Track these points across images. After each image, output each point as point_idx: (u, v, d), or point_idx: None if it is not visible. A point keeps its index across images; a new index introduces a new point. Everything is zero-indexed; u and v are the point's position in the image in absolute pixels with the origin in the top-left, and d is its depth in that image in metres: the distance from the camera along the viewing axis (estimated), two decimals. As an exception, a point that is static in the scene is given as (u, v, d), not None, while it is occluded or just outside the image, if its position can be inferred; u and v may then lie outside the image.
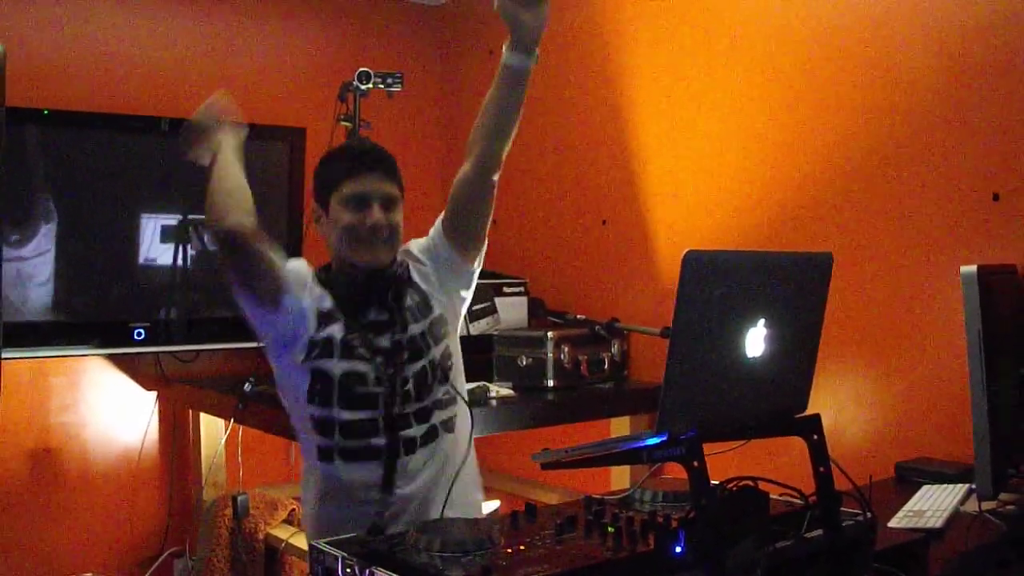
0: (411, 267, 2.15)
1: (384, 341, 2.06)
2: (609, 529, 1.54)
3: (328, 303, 2.08)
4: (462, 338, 2.27)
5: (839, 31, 2.94)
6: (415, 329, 2.10)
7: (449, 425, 2.12)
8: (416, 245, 2.21)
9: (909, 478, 2.45)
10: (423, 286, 2.15)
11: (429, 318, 2.12)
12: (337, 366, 2.04)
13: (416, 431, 2.07)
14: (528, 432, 3.30)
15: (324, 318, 2.07)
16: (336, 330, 2.06)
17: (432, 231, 2.20)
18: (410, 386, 2.06)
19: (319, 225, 2.14)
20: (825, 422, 1.60)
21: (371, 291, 2.07)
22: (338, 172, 2.08)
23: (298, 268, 2.13)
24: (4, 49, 2.32)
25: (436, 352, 2.11)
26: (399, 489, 2.04)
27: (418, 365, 2.08)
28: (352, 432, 2.04)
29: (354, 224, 2.04)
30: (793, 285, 1.57)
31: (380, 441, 2.04)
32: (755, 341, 1.46)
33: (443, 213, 2.17)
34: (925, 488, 2.31)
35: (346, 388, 2.04)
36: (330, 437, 2.05)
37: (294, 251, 3.93)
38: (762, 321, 1.46)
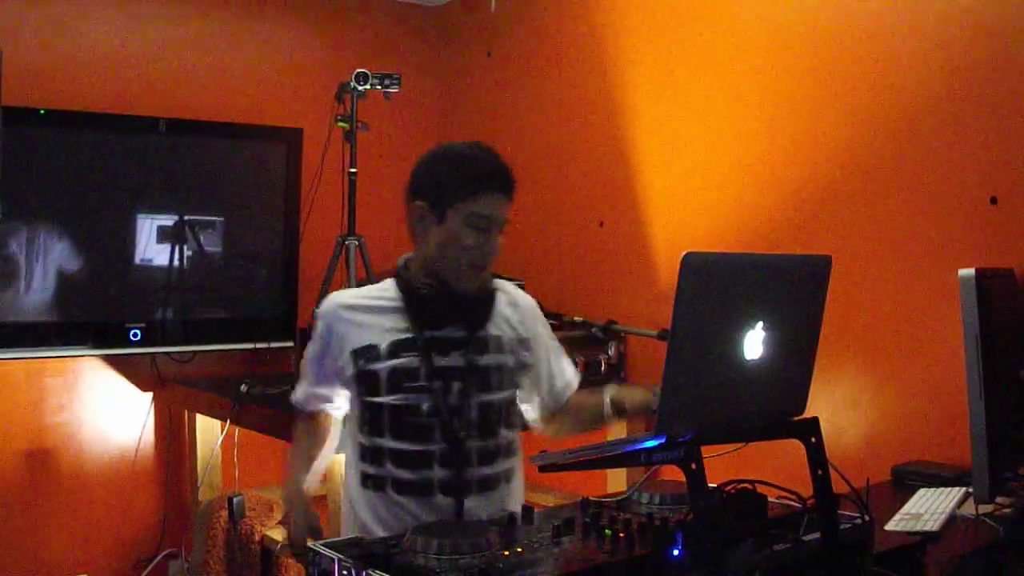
0: (504, 303, 2.08)
1: (456, 360, 1.96)
2: (607, 532, 1.54)
3: (370, 336, 1.97)
4: None
5: (837, 34, 2.94)
6: (492, 360, 2.00)
7: (509, 475, 2.03)
8: (526, 302, 2.15)
9: (906, 481, 2.45)
10: (517, 330, 2.07)
11: (515, 356, 2.04)
12: (385, 399, 1.95)
13: (474, 472, 1.96)
14: (525, 434, 3.29)
15: (363, 354, 1.97)
16: (381, 367, 1.95)
17: (540, 345, 2.13)
18: (475, 415, 1.96)
19: (418, 224, 1.99)
20: (822, 425, 1.59)
21: (454, 306, 1.98)
22: (469, 185, 1.93)
23: (325, 321, 2.03)
24: (0, 49, 2.32)
25: (509, 394, 2.04)
26: None
27: (487, 397, 1.98)
28: (406, 462, 1.94)
29: (473, 247, 1.93)
30: (792, 288, 1.57)
31: (436, 475, 1.93)
32: (753, 344, 1.45)
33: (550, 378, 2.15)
34: (922, 491, 2.30)
35: (396, 419, 1.95)
36: (380, 466, 1.96)
37: (290, 252, 3.96)
38: (760, 324, 1.46)
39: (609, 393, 2.04)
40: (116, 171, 3.70)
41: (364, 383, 1.97)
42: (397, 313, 1.99)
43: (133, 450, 3.90)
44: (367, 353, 1.96)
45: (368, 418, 1.98)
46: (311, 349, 2.09)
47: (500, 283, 2.10)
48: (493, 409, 1.99)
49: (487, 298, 2.03)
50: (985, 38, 2.59)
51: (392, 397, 1.94)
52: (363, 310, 2.01)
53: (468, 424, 1.95)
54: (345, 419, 2.12)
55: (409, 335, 1.96)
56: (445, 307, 1.97)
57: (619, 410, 2.03)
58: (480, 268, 1.97)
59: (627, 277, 3.67)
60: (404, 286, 2.01)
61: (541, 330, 2.16)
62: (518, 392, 2.08)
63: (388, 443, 1.95)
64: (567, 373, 2.19)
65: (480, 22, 4.35)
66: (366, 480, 1.98)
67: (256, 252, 4.02)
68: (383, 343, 1.96)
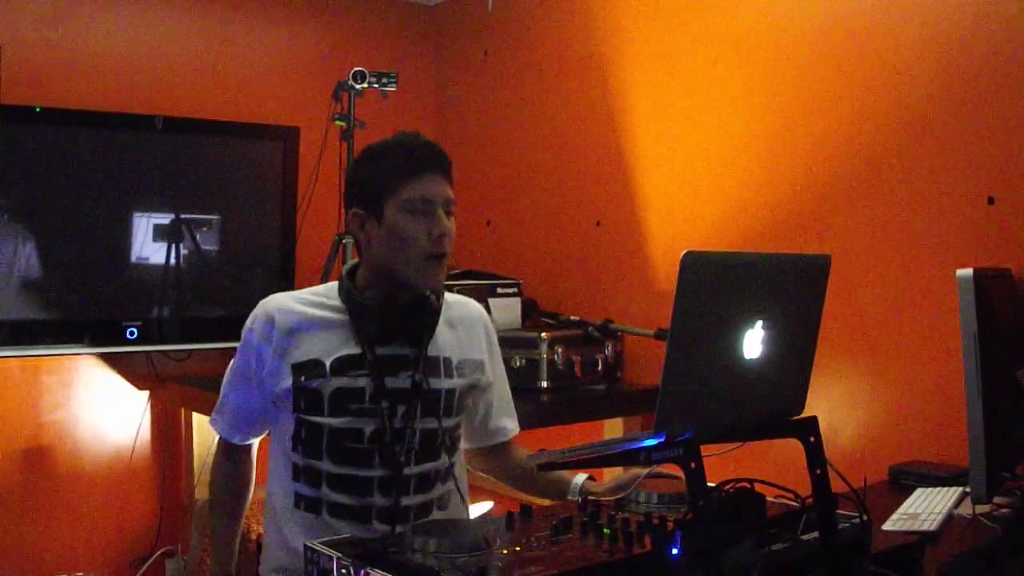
0: (453, 317, 1.96)
1: (402, 382, 1.86)
2: (605, 531, 1.53)
3: (314, 350, 1.84)
4: None
5: (835, 34, 2.94)
6: (441, 383, 1.90)
7: (444, 502, 1.94)
8: (479, 316, 2.03)
9: (903, 481, 2.45)
10: (467, 348, 1.96)
11: (465, 379, 1.95)
12: (327, 421, 1.83)
13: (412, 500, 1.87)
14: (521, 434, 3.29)
15: (305, 370, 1.84)
16: (324, 385, 1.83)
17: (491, 366, 2.03)
18: (416, 443, 1.86)
19: (360, 233, 1.88)
20: (820, 424, 1.59)
21: (401, 321, 1.86)
22: (397, 172, 1.82)
23: (262, 329, 1.89)
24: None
25: (454, 420, 1.94)
26: None
27: (432, 424, 1.88)
28: (343, 486, 1.85)
29: (420, 236, 1.80)
30: (791, 287, 1.57)
31: (376, 501, 1.85)
32: (753, 343, 1.45)
33: (487, 399, 2.05)
34: (919, 491, 2.30)
35: (336, 442, 1.84)
36: (316, 488, 1.86)
37: (286, 251, 3.96)
38: (760, 323, 1.46)
39: (582, 479, 1.96)
40: (112, 169, 3.69)
41: (302, 400, 1.84)
42: (342, 325, 1.87)
43: (129, 448, 3.90)
44: (310, 368, 1.84)
45: (304, 436, 1.85)
46: (240, 363, 1.96)
47: (449, 296, 1.99)
48: (436, 435, 1.89)
49: (432, 311, 1.89)
50: (982, 38, 2.59)
51: (334, 419, 1.83)
52: (307, 319, 1.88)
53: (409, 450, 1.86)
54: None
55: (356, 351, 1.85)
56: (390, 320, 1.85)
57: (585, 495, 1.87)
58: (438, 257, 1.83)
59: (624, 276, 3.67)
60: (347, 296, 1.88)
61: (493, 351, 2.06)
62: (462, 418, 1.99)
63: (326, 466, 1.85)
64: (506, 416, 2.10)
65: (477, 21, 4.35)
66: (299, 501, 1.88)
67: (253, 250, 4.01)
68: (328, 359, 1.85)
